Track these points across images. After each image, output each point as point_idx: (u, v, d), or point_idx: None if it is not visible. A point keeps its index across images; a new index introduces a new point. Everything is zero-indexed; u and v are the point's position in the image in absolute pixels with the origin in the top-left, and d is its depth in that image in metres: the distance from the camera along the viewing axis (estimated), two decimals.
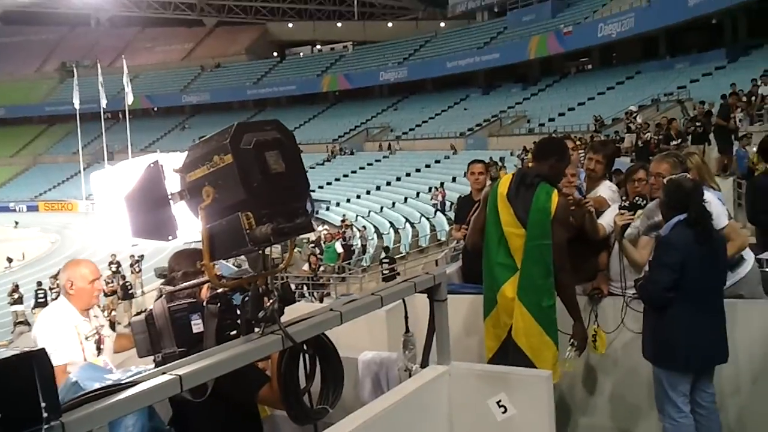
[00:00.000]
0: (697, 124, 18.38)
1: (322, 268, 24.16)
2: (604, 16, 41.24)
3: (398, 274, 20.54)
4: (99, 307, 4.19)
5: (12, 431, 1.61)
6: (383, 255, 23.52)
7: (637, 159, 18.47)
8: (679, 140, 18.26)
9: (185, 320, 2.76)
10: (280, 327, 2.38)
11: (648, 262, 4.29)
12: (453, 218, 8.61)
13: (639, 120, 25.79)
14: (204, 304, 2.73)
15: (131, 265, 26.95)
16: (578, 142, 6.11)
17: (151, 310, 2.79)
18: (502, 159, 31.97)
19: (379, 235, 29.95)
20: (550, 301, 4.01)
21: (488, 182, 5.94)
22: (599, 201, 4.77)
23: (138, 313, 2.91)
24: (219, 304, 2.65)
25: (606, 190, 4.95)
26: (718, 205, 4.48)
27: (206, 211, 2.29)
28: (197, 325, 2.75)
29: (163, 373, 2.06)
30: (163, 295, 2.82)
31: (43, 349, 1.73)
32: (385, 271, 21.54)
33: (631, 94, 36.48)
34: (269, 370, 3.06)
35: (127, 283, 24.75)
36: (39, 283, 24.86)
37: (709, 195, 4.33)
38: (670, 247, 4.09)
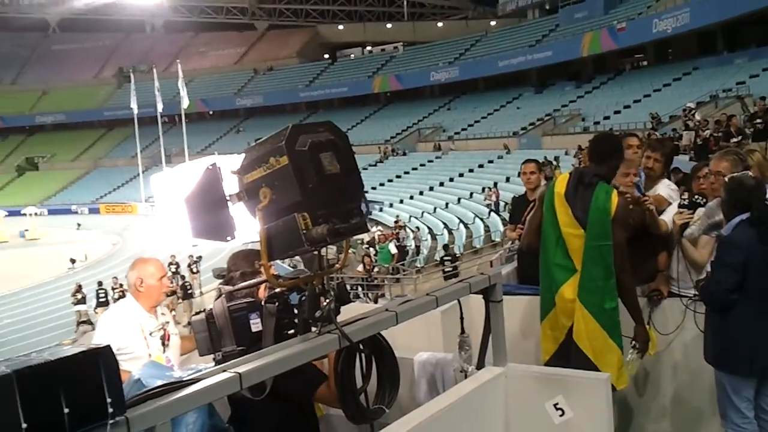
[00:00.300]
0: (758, 120, 17.87)
1: (376, 269, 24.20)
2: (659, 11, 40.37)
3: (458, 272, 20.49)
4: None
5: (79, 426, 1.66)
6: (444, 253, 23.51)
7: (695, 157, 18.07)
8: (740, 137, 17.80)
9: (244, 319, 2.80)
10: (336, 326, 2.40)
11: (710, 263, 4.19)
12: (508, 218, 8.54)
13: (697, 117, 25.19)
14: (262, 303, 2.77)
15: (189, 266, 27.43)
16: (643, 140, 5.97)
17: (211, 309, 2.84)
18: (556, 158, 31.61)
19: (433, 236, 29.90)
20: (613, 303, 3.93)
21: (543, 182, 5.87)
22: (658, 199, 4.67)
23: (197, 313, 2.96)
24: (277, 304, 2.69)
25: (665, 188, 4.85)
26: None
27: (263, 212, 2.33)
28: (256, 324, 2.79)
29: (224, 370, 2.09)
30: (223, 295, 2.87)
31: (108, 346, 1.78)
32: (447, 269, 21.50)
33: (688, 90, 35.65)
34: (325, 369, 3.08)
35: (186, 283, 25.20)
36: (99, 283, 25.51)
37: None
38: (732, 247, 3.99)
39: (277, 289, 2.69)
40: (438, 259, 26.00)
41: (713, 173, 4.59)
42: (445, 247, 25.02)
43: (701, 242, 4.44)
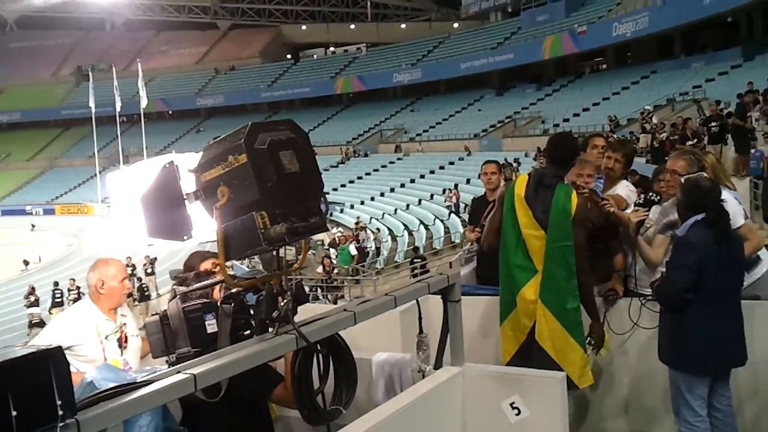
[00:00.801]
0: (713, 123, 18.24)
1: (336, 271, 24.18)
2: (619, 15, 41.01)
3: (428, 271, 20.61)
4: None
5: (27, 428, 1.63)
6: (413, 255, 23.91)
7: (652, 159, 18.37)
8: (695, 140, 18.14)
9: (200, 320, 2.77)
10: (294, 327, 2.39)
11: (665, 263, 4.25)
12: (467, 220, 8.58)
13: (654, 120, 25.64)
14: (218, 304, 2.74)
15: (145, 267, 27.10)
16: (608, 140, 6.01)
17: (165, 310, 2.80)
18: (516, 160, 31.90)
19: (393, 238, 29.95)
20: (575, 303, 3.97)
21: (502, 183, 5.90)
22: (618, 200, 4.71)
23: (153, 315, 2.92)
24: (233, 304, 2.66)
25: (624, 189, 4.89)
26: (735, 204, 4.44)
27: (221, 210, 2.31)
28: (211, 325, 2.76)
29: (178, 372, 2.07)
30: (178, 296, 2.83)
31: (59, 347, 1.75)
32: (416, 270, 21.72)
33: (646, 93, 36.26)
34: (280, 369, 3.07)
35: (143, 285, 24.89)
36: (56, 283, 25.10)
37: (726, 194, 4.29)
38: (687, 248, 4.04)
39: (234, 290, 2.66)
40: (398, 260, 26.14)
41: (669, 171, 4.67)
42: (415, 249, 25.29)
43: (656, 241, 4.51)
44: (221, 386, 2.52)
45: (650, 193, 4.62)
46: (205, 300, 2.87)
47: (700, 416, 4.02)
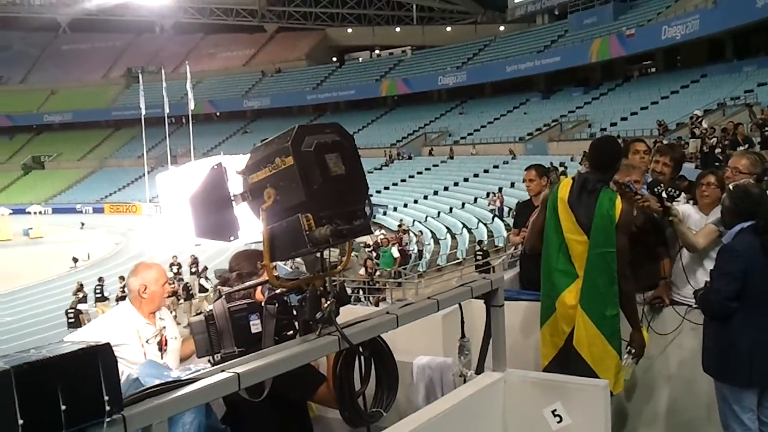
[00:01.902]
0: (766, 128, 17.83)
1: (378, 273, 24.20)
2: (668, 18, 40.34)
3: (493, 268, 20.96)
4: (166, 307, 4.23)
5: (75, 423, 1.66)
6: (477, 248, 24.39)
7: (702, 165, 18.01)
8: (746, 145, 17.73)
9: (244, 320, 2.80)
10: (336, 328, 2.40)
11: (710, 272, 4.17)
12: (512, 223, 8.51)
13: (704, 125, 25.14)
14: (263, 304, 2.76)
15: (191, 266, 27.48)
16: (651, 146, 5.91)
17: (211, 310, 2.83)
18: (562, 164, 31.56)
19: (436, 241, 29.86)
20: (614, 310, 3.92)
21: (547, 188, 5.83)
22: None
23: (196, 314, 2.96)
24: (277, 305, 2.68)
25: None
26: None
27: (267, 212, 2.33)
28: (255, 326, 2.78)
29: (222, 371, 2.09)
30: (223, 296, 2.86)
31: (107, 344, 1.78)
32: (479, 263, 22.39)
33: (696, 98, 35.60)
34: (322, 369, 3.08)
35: (188, 285, 25.24)
36: (100, 279, 25.72)
37: None
38: (733, 255, 3.97)
39: (278, 291, 2.69)
40: (440, 263, 26.12)
41: (731, 168, 4.59)
42: (479, 242, 25.46)
43: (706, 229, 4.42)
44: (264, 386, 2.55)
45: (670, 188, 4.48)
46: (249, 300, 2.89)
47: (751, 429, 3.93)
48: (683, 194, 4.97)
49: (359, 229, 2.41)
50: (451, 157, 45.38)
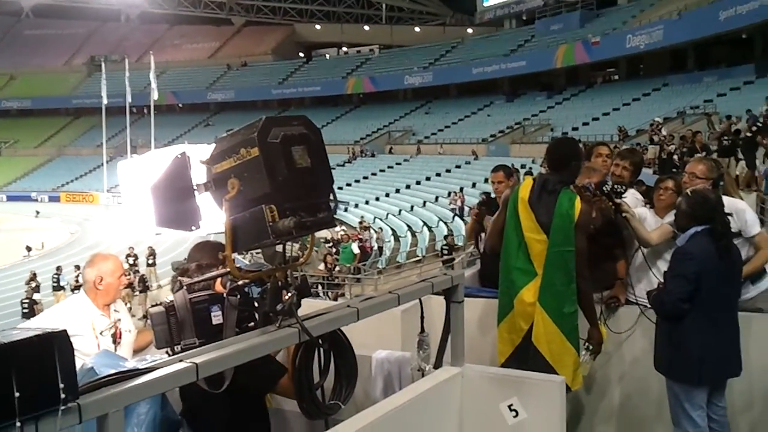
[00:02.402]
0: (725, 138, 18.23)
1: (337, 269, 24.21)
2: (633, 27, 41.02)
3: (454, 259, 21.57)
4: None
5: (29, 410, 1.63)
6: (443, 243, 24.98)
7: (660, 171, 18.33)
8: (704, 153, 18.09)
9: (206, 312, 2.77)
10: (297, 320, 2.40)
11: (664, 273, 4.26)
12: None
13: (664, 132, 25.59)
14: (224, 295, 2.74)
15: (147, 258, 27.19)
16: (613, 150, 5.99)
17: (171, 301, 2.80)
18: (523, 166, 31.84)
19: (396, 238, 29.95)
20: (572, 307, 3.98)
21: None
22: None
23: (155, 305, 2.92)
24: (239, 296, 2.67)
25: (631, 197, 4.89)
26: (752, 213, 4.46)
27: (231, 203, 2.32)
28: (217, 317, 2.76)
29: (180, 360, 2.08)
30: (184, 287, 2.83)
31: (64, 331, 1.75)
32: (445, 257, 23.01)
33: (657, 105, 36.24)
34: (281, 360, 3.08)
35: (144, 276, 24.96)
36: (58, 268, 25.37)
37: (742, 203, 4.30)
38: (687, 258, 4.05)
39: (240, 282, 2.67)
40: (400, 261, 26.25)
41: (688, 173, 4.69)
42: (446, 237, 25.78)
43: (661, 228, 4.51)
44: (225, 377, 2.54)
45: (615, 185, 4.56)
46: (211, 291, 2.87)
47: (700, 426, 4.02)
48: (641, 198, 5.06)
49: (323, 221, 2.42)
50: (419, 152, 45.31)
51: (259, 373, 2.86)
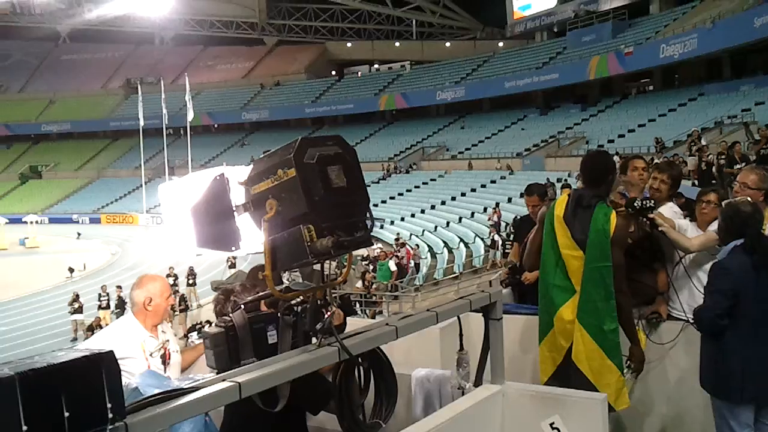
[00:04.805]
0: (764, 147, 17.90)
1: (374, 286, 24.21)
2: (666, 36, 40.60)
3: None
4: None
5: (78, 430, 1.66)
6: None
7: (699, 182, 18.07)
8: (744, 163, 17.78)
9: (263, 332, 2.77)
10: (336, 339, 2.42)
11: (705, 287, 4.19)
12: (512, 237, 8.47)
13: (703, 142, 25.18)
14: (278, 315, 2.74)
15: (187, 278, 27.47)
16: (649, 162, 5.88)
17: (230, 321, 2.79)
18: (559, 180, 31.61)
19: (433, 255, 29.86)
20: (612, 324, 3.93)
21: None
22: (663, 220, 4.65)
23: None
24: (292, 316, 2.67)
25: (668, 210, 4.82)
26: None
27: (269, 223, 2.35)
28: (272, 336, 2.77)
29: (223, 380, 2.10)
30: (242, 307, 2.83)
31: (111, 352, 1.78)
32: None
33: (693, 116, 35.73)
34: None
35: (185, 296, 25.21)
36: (103, 288, 25.69)
37: None
38: (724, 273, 3.99)
39: (293, 301, 2.68)
40: (437, 278, 26.10)
41: (740, 183, 4.62)
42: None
43: (706, 235, 4.44)
44: (280, 396, 2.55)
45: (645, 200, 4.47)
46: (268, 311, 2.88)
47: None
48: (680, 211, 4.98)
49: (360, 240, 2.43)
50: (471, 167, 44.90)
51: (315, 391, 2.87)
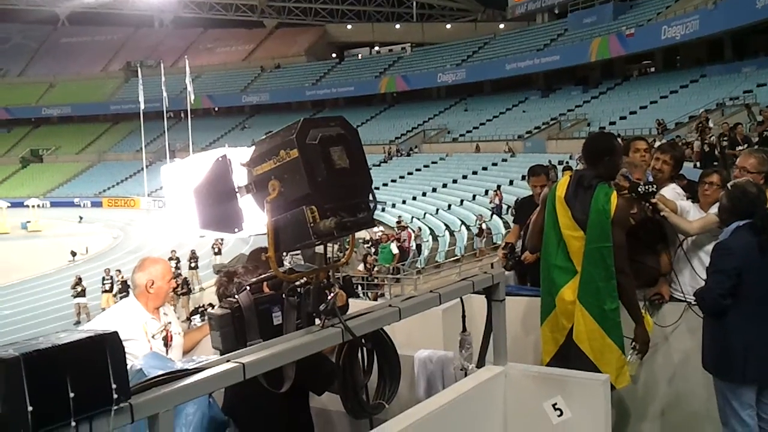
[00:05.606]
0: (767, 128, 17.86)
1: (376, 269, 24.25)
2: (668, 18, 40.37)
3: None
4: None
5: (83, 410, 1.68)
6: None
7: (701, 164, 18.02)
8: (746, 145, 17.73)
9: (268, 312, 2.78)
10: (340, 320, 2.42)
11: (706, 269, 4.19)
12: (513, 219, 8.44)
13: (710, 124, 25.06)
14: (283, 296, 2.74)
15: (189, 260, 27.52)
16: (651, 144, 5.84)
17: (236, 302, 2.79)
18: (561, 162, 31.57)
19: (434, 238, 29.88)
20: (613, 304, 3.93)
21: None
22: (664, 202, 4.64)
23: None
24: (297, 297, 2.67)
25: (671, 191, 4.80)
26: None
27: (272, 204, 2.35)
28: (277, 317, 2.77)
29: (227, 361, 2.11)
30: (247, 288, 2.83)
31: (115, 332, 1.79)
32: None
33: (695, 97, 35.65)
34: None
35: (187, 279, 25.27)
36: (107, 271, 25.73)
37: None
38: (727, 253, 3.98)
39: (296, 282, 2.68)
40: (438, 260, 26.14)
41: (739, 168, 4.59)
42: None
43: (707, 218, 4.42)
44: (286, 377, 2.55)
45: (647, 185, 4.44)
46: (272, 293, 2.88)
47: (749, 426, 3.93)
48: (682, 192, 4.96)
49: (363, 221, 2.43)
50: (478, 149, 44.52)
51: (320, 372, 2.88)
